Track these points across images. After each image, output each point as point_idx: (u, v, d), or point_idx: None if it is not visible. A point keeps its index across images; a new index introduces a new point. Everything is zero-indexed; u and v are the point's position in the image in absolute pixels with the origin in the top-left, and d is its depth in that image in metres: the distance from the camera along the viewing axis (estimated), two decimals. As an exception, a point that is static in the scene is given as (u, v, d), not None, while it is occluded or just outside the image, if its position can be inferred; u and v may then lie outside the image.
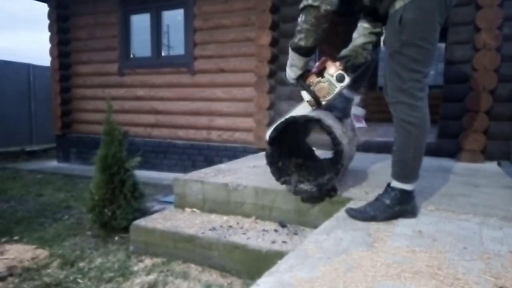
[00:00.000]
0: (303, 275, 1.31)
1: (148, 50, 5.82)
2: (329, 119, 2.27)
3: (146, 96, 5.85)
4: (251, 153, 4.51)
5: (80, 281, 2.22)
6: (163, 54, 5.83)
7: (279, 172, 2.40)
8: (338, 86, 2.19)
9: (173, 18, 5.68)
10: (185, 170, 4.84)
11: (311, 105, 2.30)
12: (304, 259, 1.44)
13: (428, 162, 3.46)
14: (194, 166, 5.02)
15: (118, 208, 2.93)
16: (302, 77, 2.23)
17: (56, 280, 2.20)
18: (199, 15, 5.29)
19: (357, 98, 6.27)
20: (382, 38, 2.20)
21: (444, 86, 3.91)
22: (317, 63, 2.25)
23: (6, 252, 2.60)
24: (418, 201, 2.20)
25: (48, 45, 6.46)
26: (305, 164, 2.63)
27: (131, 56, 6.06)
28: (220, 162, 4.40)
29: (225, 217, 2.64)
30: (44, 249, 2.68)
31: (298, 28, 1.98)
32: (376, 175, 2.95)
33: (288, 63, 2.20)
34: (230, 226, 2.47)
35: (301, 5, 1.92)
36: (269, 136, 2.30)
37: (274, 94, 4.90)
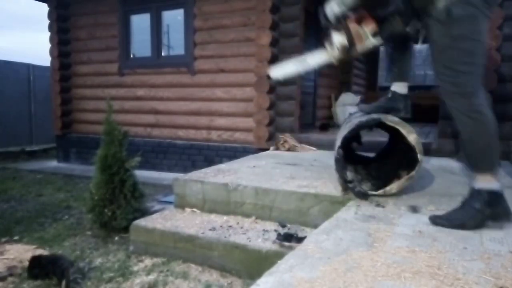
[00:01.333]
0: (303, 275, 1.31)
1: (148, 50, 5.81)
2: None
3: (146, 96, 5.85)
4: (251, 153, 4.50)
5: (80, 281, 2.22)
6: (163, 54, 5.83)
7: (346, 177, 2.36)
8: (372, 41, 2.15)
9: (173, 18, 5.67)
10: (185, 170, 4.83)
11: (340, 51, 2.19)
12: (304, 259, 1.44)
13: (428, 162, 3.46)
14: (194, 166, 5.01)
15: (118, 208, 2.93)
16: (344, 18, 2.16)
17: (56, 280, 2.20)
18: (199, 15, 5.29)
19: (356, 98, 6.29)
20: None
21: (444, 86, 3.91)
22: (355, 13, 2.18)
23: (6, 252, 2.60)
24: (418, 201, 2.20)
25: (48, 45, 6.46)
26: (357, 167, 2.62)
27: (131, 56, 6.06)
28: (220, 162, 4.39)
29: (225, 217, 2.64)
30: (44, 249, 2.68)
31: None
32: (376, 175, 2.95)
33: None
34: (230, 226, 2.47)
35: None
36: (344, 138, 2.28)
37: (274, 94, 4.90)
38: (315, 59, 2.32)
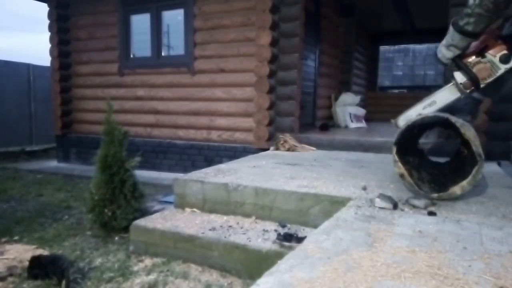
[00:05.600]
0: (303, 275, 1.31)
1: (148, 50, 5.81)
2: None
3: (146, 96, 5.85)
4: (251, 153, 4.50)
5: (80, 281, 2.22)
6: (163, 54, 5.83)
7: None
8: (502, 68, 2.00)
9: (173, 18, 5.67)
10: (185, 170, 4.83)
11: (466, 88, 2.08)
12: (304, 259, 1.44)
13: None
14: (194, 166, 5.01)
15: (118, 208, 2.93)
16: (460, 57, 2.05)
17: (56, 280, 2.20)
18: (199, 15, 5.29)
19: (356, 98, 6.29)
20: None
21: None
22: (476, 42, 2.04)
23: (6, 252, 2.60)
24: (420, 202, 2.19)
25: (48, 45, 6.46)
26: (422, 164, 2.51)
27: (131, 56, 6.06)
28: (220, 162, 4.39)
29: (225, 217, 2.64)
30: (44, 249, 2.68)
31: (468, 11, 1.82)
32: (376, 175, 2.95)
33: (445, 42, 2.02)
34: (230, 226, 2.47)
35: None
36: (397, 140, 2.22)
37: (274, 94, 4.89)
38: (444, 98, 2.21)
